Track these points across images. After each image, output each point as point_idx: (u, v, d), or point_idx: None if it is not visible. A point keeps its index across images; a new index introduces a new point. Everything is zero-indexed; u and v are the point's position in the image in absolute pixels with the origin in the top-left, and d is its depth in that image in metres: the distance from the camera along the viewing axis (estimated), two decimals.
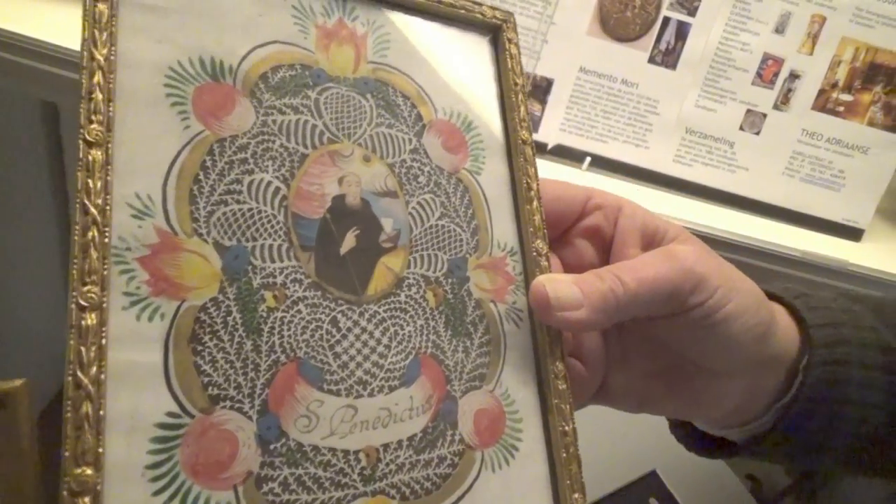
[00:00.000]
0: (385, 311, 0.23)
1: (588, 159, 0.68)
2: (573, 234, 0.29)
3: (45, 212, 0.82)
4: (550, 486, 0.24)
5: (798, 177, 0.68)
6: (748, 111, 0.66)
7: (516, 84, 0.28)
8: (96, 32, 0.19)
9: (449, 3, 0.27)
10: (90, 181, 0.18)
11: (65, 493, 0.16)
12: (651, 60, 0.66)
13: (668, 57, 0.66)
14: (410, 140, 0.26)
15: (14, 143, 0.76)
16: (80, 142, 0.18)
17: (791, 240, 0.66)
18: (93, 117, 0.18)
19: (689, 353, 0.28)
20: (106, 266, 0.18)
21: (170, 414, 0.18)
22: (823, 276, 0.66)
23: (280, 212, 0.22)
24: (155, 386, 0.18)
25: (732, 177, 0.68)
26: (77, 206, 0.18)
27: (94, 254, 0.17)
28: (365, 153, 0.24)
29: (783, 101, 0.66)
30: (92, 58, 0.19)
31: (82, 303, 0.17)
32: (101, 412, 0.17)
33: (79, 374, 0.16)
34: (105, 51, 0.19)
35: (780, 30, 0.64)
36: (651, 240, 0.29)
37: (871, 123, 0.66)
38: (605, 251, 0.29)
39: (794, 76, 0.65)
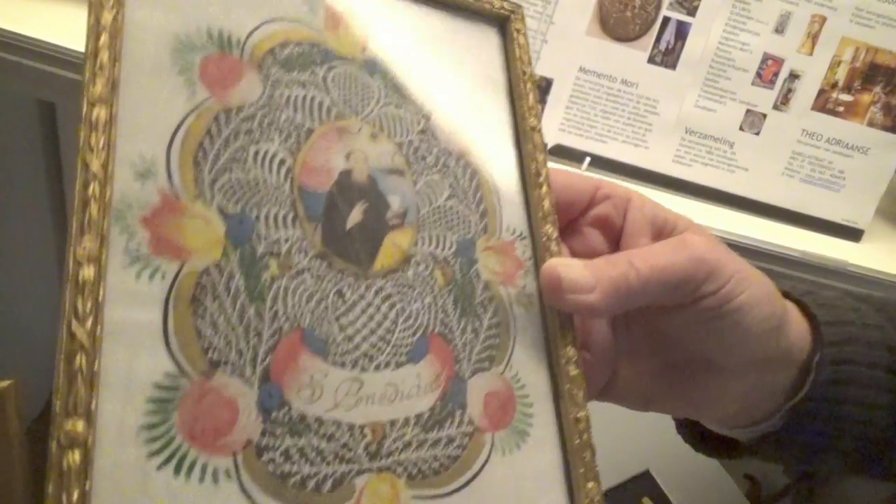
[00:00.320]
0: (392, 287, 0.23)
1: (587, 159, 0.68)
2: (582, 223, 0.29)
3: (41, 212, 0.82)
4: (563, 473, 0.24)
5: (798, 177, 0.68)
6: (748, 111, 0.66)
7: (524, 73, 0.28)
8: None
9: None
10: (93, 137, 0.18)
11: (54, 445, 0.15)
12: (651, 60, 0.66)
13: (667, 57, 0.66)
14: (419, 121, 0.26)
15: (11, 143, 0.76)
16: (84, 101, 0.18)
17: (791, 240, 0.66)
18: (97, 76, 0.18)
19: (700, 346, 0.28)
20: (106, 221, 0.18)
21: (168, 375, 0.18)
22: (823, 276, 0.66)
23: (286, 183, 0.22)
24: (153, 345, 0.18)
25: (732, 177, 0.68)
26: (78, 161, 0.17)
27: (94, 207, 0.17)
28: (372, 130, 0.24)
29: (783, 102, 0.66)
30: (98, 21, 0.19)
31: (80, 255, 0.17)
32: (96, 367, 0.16)
33: (74, 325, 0.16)
34: (111, 14, 0.19)
35: (779, 30, 0.64)
36: (661, 231, 0.28)
37: (871, 124, 0.66)
38: (615, 241, 0.29)
39: (793, 76, 0.65)
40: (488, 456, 0.23)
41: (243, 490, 0.18)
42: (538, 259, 0.26)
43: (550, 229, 0.26)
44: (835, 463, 0.30)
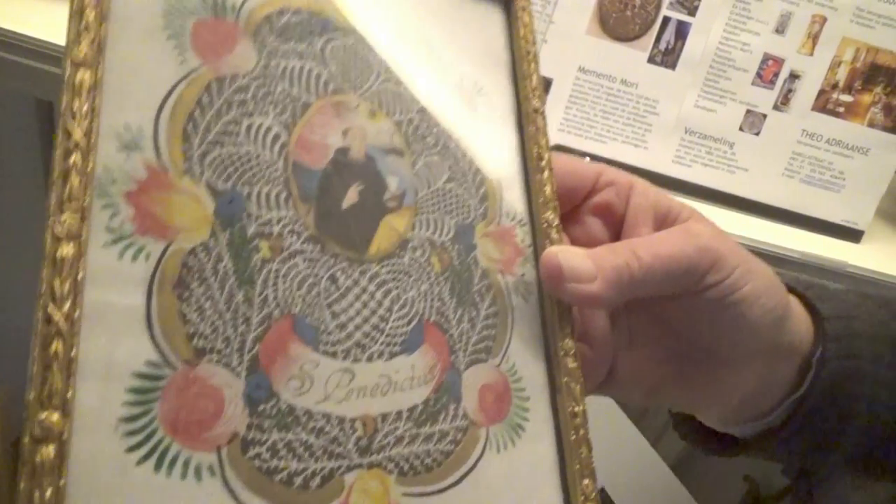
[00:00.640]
0: (387, 273, 0.22)
1: (587, 160, 0.68)
2: (583, 210, 0.28)
3: (40, 212, 0.80)
4: (558, 470, 0.23)
5: (798, 178, 0.67)
6: (748, 111, 0.66)
7: (528, 52, 0.27)
8: None
9: None
10: (76, 102, 0.16)
11: (27, 439, 0.14)
12: (650, 60, 0.65)
13: (667, 57, 0.66)
14: (419, 99, 0.25)
15: (10, 143, 0.75)
16: (67, 61, 0.17)
17: (790, 241, 0.66)
18: (83, 35, 0.17)
19: (702, 337, 0.27)
20: (87, 196, 0.16)
21: (150, 363, 0.17)
22: (823, 277, 0.66)
23: (279, 159, 0.20)
24: (135, 331, 0.17)
25: (732, 178, 0.67)
26: (59, 129, 0.16)
27: (75, 180, 0.16)
28: (371, 107, 0.23)
29: (783, 102, 0.65)
30: None
31: (59, 231, 0.16)
32: (73, 353, 0.15)
33: (50, 307, 0.15)
34: None
35: (780, 30, 0.64)
36: (664, 219, 0.27)
37: (872, 124, 0.66)
38: (616, 229, 0.28)
39: (794, 76, 0.65)
40: (482, 451, 0.22)
41: (227, 487, 0.17)
42: (538, 246, 0.25)
43: (551, 216, 0.25)
44: (838, 462, 0.30)
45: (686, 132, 0.67)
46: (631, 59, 0.66)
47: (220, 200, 0.19)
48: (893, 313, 0.30)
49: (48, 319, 0.15)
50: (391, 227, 0.22)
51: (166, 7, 0.20)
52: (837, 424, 0.28)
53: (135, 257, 0.17)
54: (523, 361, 0.24)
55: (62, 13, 0.18)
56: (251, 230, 0.19)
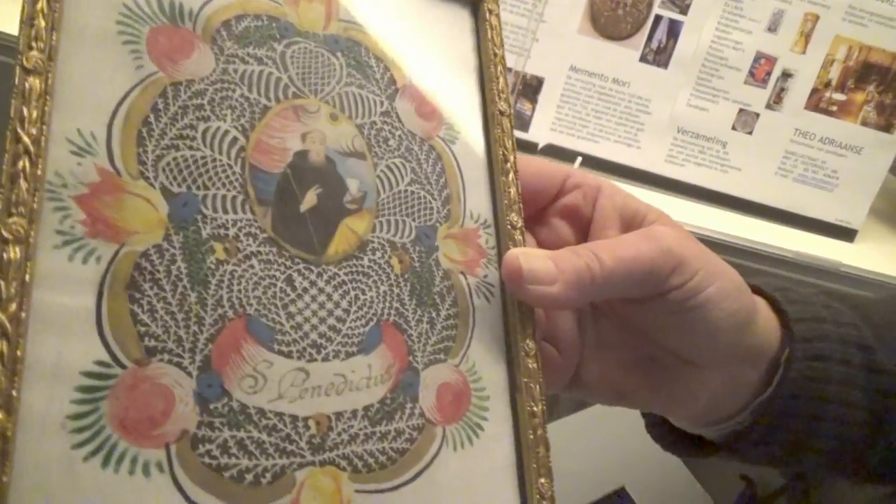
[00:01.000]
0: (345, 274, 0.22)
1: (579, 159, 0.68)
2: (550, 212, 0.28)
3: None
4: (516, 469, 0.23)
5: (791, 177, 0.67)
6: (740, 110, 0.66)
7: (496, 55, 0.27)
8: None
9: None
10: (25, 109, 0.17)
11: None
12: (642, 59, 0.65)
13: (659, 56, 0.66)
14: (382, 102, 0.25)
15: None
16: (18, 69, 0.17)
17: (784, 240, 0.65)
18: (33, 44, 0.17)
19: (667, 340, 0.27)
20: (36, 200, 0.17)
21: (99, 363, 0.17)
22: (816, 276, 0.65)
23: (237, 163, 0.21)
24: (84, 332, 0.17)
25: (725, 177, 0.67)
26: (9, 134, 0.17)
27: (23, 185, 0.16)
28: (332, 111, 0.23)
29: (776, 101, 0.65)
30: None
31: (6, 235, 0.16)
32: (19, 353, 0.16)
33: None
34: None
35: (772, 28, 0.64)
36: (630, 222, 0.28)
37: (865, 123, 0.65)
38: (583, 232, 0.28)
39: (786, 75, 0.64)
40: (438, 450, 0.22)
41: (176, 483, 0.18)
42: (502, 248, 0.25)
43: (515, 218, 0.25)
44: (811, 463, 0.30)
45: (678, 131, 0.67)
46: (623, 57, 0.66)
47: (175, 203, 0.19)
48: (863, 316, 0.30)
49: None
50: (350, 230, 0.23)
51: (122, 14, 0.20)
52: (807, 426, 0.28)
53: (85, 260, 0.18)
54: (484, 361, 0.24)
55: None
56: (206, 232, 0.20)
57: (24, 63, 0.17)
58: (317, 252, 0.22)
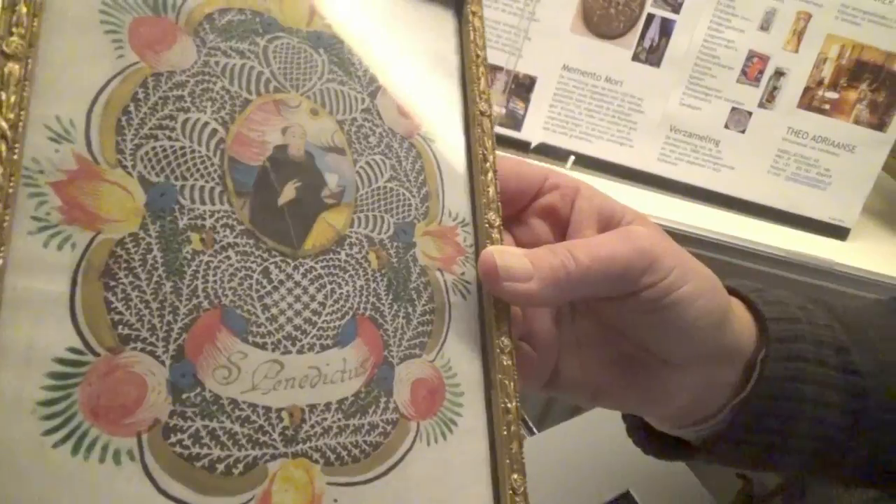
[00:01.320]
0: (322, 268, 0.22)
1: (572, 158, 0.68)
2: (529, 212, 0.29)
3: None
4: (489, 464, 0.23)
5: (784, 175, 0.67)
6: (733, 109, 0.66)
7: (478, 56, 0.28)
8: None
9: None
10: (3, 94, 0.17)
11: None
12: (635, 58, 0.65)
13: (652, 54, 0.66)
14: (363, 99, 0.25)
15: None
16: None
17: (777, 239, 0.65)
18: (14, 29, 0.17)
19: (643, 339, 0.27)
20: (12, 184, 0.17)
21: (72, 349, 0.17)
22: (809, 275, 0.65)
23: (216, 154, 0.21)
24: (58, 318, 0.17)
25: (718, 175, 0.67)
26: None
27: None
28: (313, 106, 0.24)
29: (768, 99, 0.65)
30: None
31: None
32: None
33: None
34: None
35: (765, 27, 0.64)
36: (608, 223, 0.28)
37: (857, 121, 0.65)
38: (561, 232, 0.28)
39: (779, 74, 0.64)
40: (412, 444, 0.22)
41: (146, 471, 0.18)
42: (479, 246, 0.26)
43: (493, 217, 0.26)
44: (789, 464, 0.30)
45: (671, 130, 0.67)
46: (615, 56, 0.66)
47: (152, 192, 0.20)
48: (837, 318, 0.31)
49: None
50: (328, 224, 0.23)
51: (105, 3, 0.20)
52: (784, 426, 0.28)
53: (60, 246, 0.18)
54: (459, 357, 0.24)
55: None
56: (183, 222, 0.20)
57: (4, 48, 0.17)
58: (294, 245, 0.22)
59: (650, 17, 0.64)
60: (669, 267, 0.25)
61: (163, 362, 0.19)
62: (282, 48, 0.23)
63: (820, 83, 0.65)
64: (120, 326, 0.18)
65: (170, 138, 0.20)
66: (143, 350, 0.18)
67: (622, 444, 0.34)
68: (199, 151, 0.21)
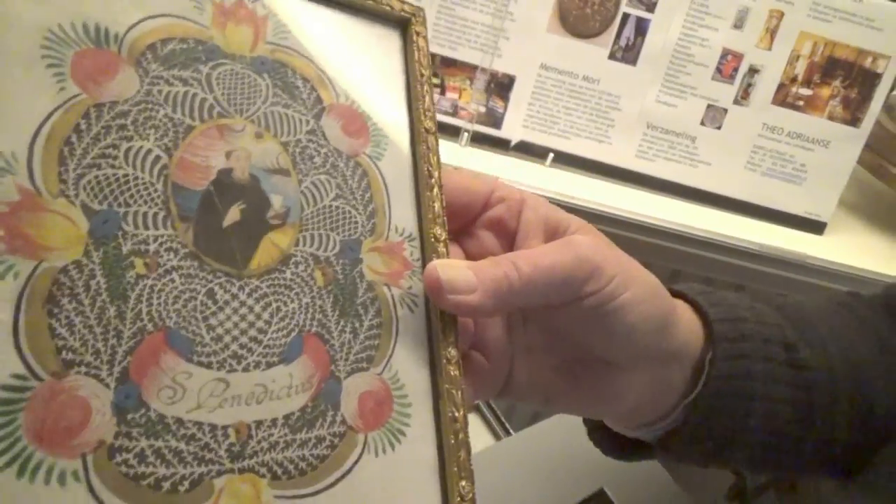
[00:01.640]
0: (267, 287, 0.23)
1: (551, 155, 0.68)
2: (477, 225, 0.29)
3: None
4: (438, 472, 0.24)
5: (759, 171, 0.68)
6: (709, 106, 0.66)
7: (422, 75, 0.28)
8: None
9: None
10: None
11: None
12: (611, 56, 0.66)
13: (628, 53, 0.66)
14: (308, 121, 0.26)
15: None
16: None
17: (753, 234, 0.66)
18: None
19: (589, 344, 0.28)
20: None
21: (15, 376, 0.18)
22: (786, 270, 0.66)
23: (159, 181, 0.22)
24: (1, 346, 0.18)
25: (694, 171, 0.68)
26: None
27: None
28: (257, 130, 0.24)
29: (743, 96, 0.66)
30: None
31: None
32: None
33: None
34: None
35: (738, 25, 0.64)
36: (554, 232, 0.29)
37: (831, 117, 0.66)
38: (509, 243, 0.29)
39: (753, 71, 0.65)
40: (360, 455, 0.23)
41: (91, 492, 0.18)
42: (426, 260, 0.26)
43: (439, 231, 0.26)
44: (742, 459, 0.31)
45: (648, 127, 0.68)
46: (592, 55, 0.66)
47: (95, 220, 0.20)
48: (786, 316, 0.31)
49: None
50: (273, 244, 0.23)
51: (47, 38, 0.21)
52: (736, 423, 0.29)
53: (3, 275, 0.18)
54: (406, 369, 0.25)
55: None
56: (126, 248, 0.21)
57: None
58: (239, 266, 0.23)
59: (625, 17, 0.64)
60: (611, 275, 0.25)
61: (107, 385, 0.19)
62: (225, 74, 0.24)
63: (794, 80, 0.65)
64: (64, 352, 0.19)
65: (112, 166, 0.21)
66: (87, 374, 0.19)
67: None
68: (143, 178, 0.21)
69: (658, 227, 0.62)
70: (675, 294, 0.30)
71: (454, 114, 0.65)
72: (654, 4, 0.64)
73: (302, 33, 0.26)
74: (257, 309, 0.23)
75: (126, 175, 0.21)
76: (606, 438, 0.34)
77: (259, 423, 0.22)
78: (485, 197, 0.29)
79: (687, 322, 0.29)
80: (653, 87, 0.66)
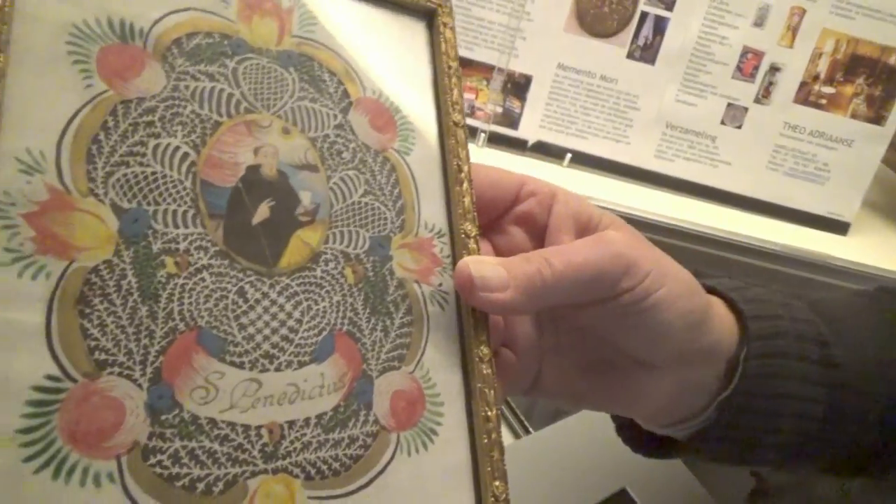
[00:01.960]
0: (298, 285, 0.23)
1: (569, 156, 0.68)
2: (507, 220, 0.29)
3: None
4: (471, 472, 0.23)
5: (781, 170, 0.67)
6: (729, 105, 0.66)
7: (450, 67, 0.28)
8: None
9: None
10: None
11: None
12: (630, 56, 0.65)
13: (646, 52, 0.66)
14: (335, 116, 0.25)
15: None
16: None
17: (775, 234, 0.65)
18: None
19: (621, 342, 0.27)
20: None
21: (49, 377, 0.18)
22: (809, 271, 0.65)
23: (188, 178, 0.21)
24: (34, 347, 0.18)
25: (715, 171, 0.67)
26: None
27: None
28: (284, 125, 0.24)
29: (764, 95, 0.65)
30: None
31: None
32: None
33: None
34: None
35: (759, 23, 0.63)
36: (585, 227, 0.28)
37: (855, 116, 0.65)
38: (539, 238, 0.29)
39: (774, 69, 0.64)
40: (392, 455, 0.22)
41: (126, 493, 0.18)
42: (456, 257, 0.26)
43: (469, 227, 0.26)
44: (773, 458, 0.30)
45: (667, 127, 0.67)
46: (610, 54, 0.66)
47: (125, 219, 0.20)
48: (819, 312, 0.31)
49: None
50: (303, 241, 0.23)
51: (72, 34, 0.20)
52: (767, 422, 0.29)
53: (34, 276, 0.18)
54: (438, 368, 0.24)
55: None
56: (156, 247, 0.20)
57: None
58: (269, 264, 0.22)
59: (644, 15, 0.64)
60: (645, 271, 0.25)
61: (140, 386, 0.19)
62: (251, 69, 0.24)
63: (816, 78, 0.64)
64: (97, 352, 0.19)
65: (141, 164, 0.21)
66: (120, 374, 0.19)
67: (619, 441, 0.34)
68: (171, 176, 0.21)
69: (677, 227, 0.61)
70: (708, 290, 0.30)
71: (471, 114, 0.65)
72: (673, 3, 0.63)
73: (327, 26, 0.26)
74: (288, 307, 0.22)
75: (154, 173, 0.21)
76: (635, 436, 0.33)
77: (292, 424, 0.21)
78: (515, 191, 0.28)
79: (721, 319, 0.28)
80: (672, 86, 0.66)
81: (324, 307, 0.23)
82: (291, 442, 0.21)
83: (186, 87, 0.22)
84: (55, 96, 0.20)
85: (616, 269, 0.24)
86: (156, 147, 0.21)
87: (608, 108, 0.67)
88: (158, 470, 0.19)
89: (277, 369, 0.21)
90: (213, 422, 0.20)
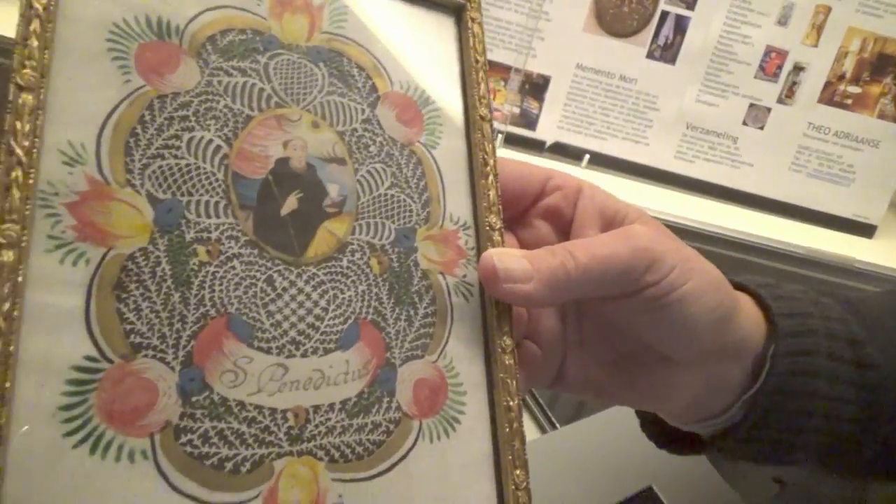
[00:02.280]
0: (325, 274, 0.23)
1: (587, 157, 0.68)
2: (532, 214, 0.29)
3: None
4: (492, 460, 0.24)
5: (805, 172, 0.66)
6: (751, 105, 0.65)
7: (477, 62, 0.28)
8: None
9: None
10: (18, 124, 0.18)
11: None
12: (650, 55, 0.65)
13: (666, 52, 0.65)
14: (363, 110, 0.26)
15: None
16: (12, 86, 0.18)
17: (800, 237, 0.64)
18: (26, 63, 0.19)
19: (646, 337, 0.27)
20: (28, 207, 0.18)
21: (88, 357, 0.19)
22: (834, 274, 0.64)
23: (220, 170, 0.22)
24: (74, 329, 0.19)
25: (736, 173, 0.67)
26: (3, 147, 0.18)
27: (16, 193, 0.18)
28: (314, 119, 0.24)
29: (788, 95, 0.64)
30: (30, 6, 0.19)
31: (0, 240, 0.17)
32: (12, 348, 0.17)
33: None
34: (44, 1, 0.20)
35: (782, 21, 0.63)
36: (611, 222, 0.28)
37: (882, 116, 0.64)
38: (564, 232, 0.29)
39: (798, 69, 0.63)
40: (415, 442, 0.23)
41: (159, 469, 0.19)
42: (480, 249, 0.26)
43: (494, 219, 0.26)
44: (801, 459, 0.30)
45: (687, 127, 0.67)
46: (629, 54, 0.65)
47: (160, 209, 0.21)
48: (853, 311, 0.30)
49: None
50: (330, 232, 0.24)
51: (112, 32, 0.21)
52: (796, 421, 0.28)
53: (75, 262, 0.19)
54: (461, 358, 0.25)
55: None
56: (189, 236, 0.21)
57: (18, 80, 0.19)
58: (297, 253, 0.23)
59: (664, 15, 0.64)
60: (671, 265, 0.25)
61: (172, 368, 0.20)
62: (282, 64, 0.24)
63: (841, 77, 0.63)
64: (132, 335, 0.19)
65: (175, 157, 0.21)
66: (153, 357, 0.20)
67: (644, 439, 0.34)
68: (204, 168, 0.22)
69: (698, 230, 0.60)
70: (737, 286, 0.29)
71: None
72: (695, 2, 0.63)
73: (357, 21, 0.27)
74: (314, 296, 0.23)
75: (188, 165, 0.22)
76: (659, 432, 0.33)
77: (317, 408, 0.22)
78: (540, 185, 0.28)
79: (748, 315, 0.28)
80: (692, 86, 0.65)
81: (349, 296, 0.23)
82: (316, 426, 0.21)
83: (220, 83, 0.23)
84: (96, 91, 0.21)
85: (640, 263, 0.24)
86: (190, 140, 0.22)
87: (627, 108, 0.67)
88: (189, 449, 0.19)
89: (304, 355, 0.22)
90: (241, 404, 0.21)
